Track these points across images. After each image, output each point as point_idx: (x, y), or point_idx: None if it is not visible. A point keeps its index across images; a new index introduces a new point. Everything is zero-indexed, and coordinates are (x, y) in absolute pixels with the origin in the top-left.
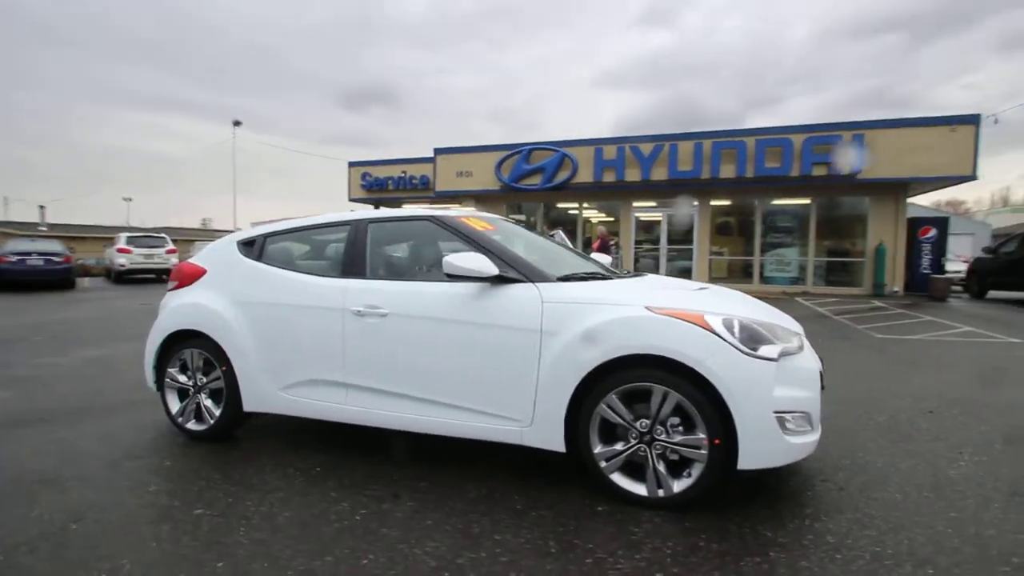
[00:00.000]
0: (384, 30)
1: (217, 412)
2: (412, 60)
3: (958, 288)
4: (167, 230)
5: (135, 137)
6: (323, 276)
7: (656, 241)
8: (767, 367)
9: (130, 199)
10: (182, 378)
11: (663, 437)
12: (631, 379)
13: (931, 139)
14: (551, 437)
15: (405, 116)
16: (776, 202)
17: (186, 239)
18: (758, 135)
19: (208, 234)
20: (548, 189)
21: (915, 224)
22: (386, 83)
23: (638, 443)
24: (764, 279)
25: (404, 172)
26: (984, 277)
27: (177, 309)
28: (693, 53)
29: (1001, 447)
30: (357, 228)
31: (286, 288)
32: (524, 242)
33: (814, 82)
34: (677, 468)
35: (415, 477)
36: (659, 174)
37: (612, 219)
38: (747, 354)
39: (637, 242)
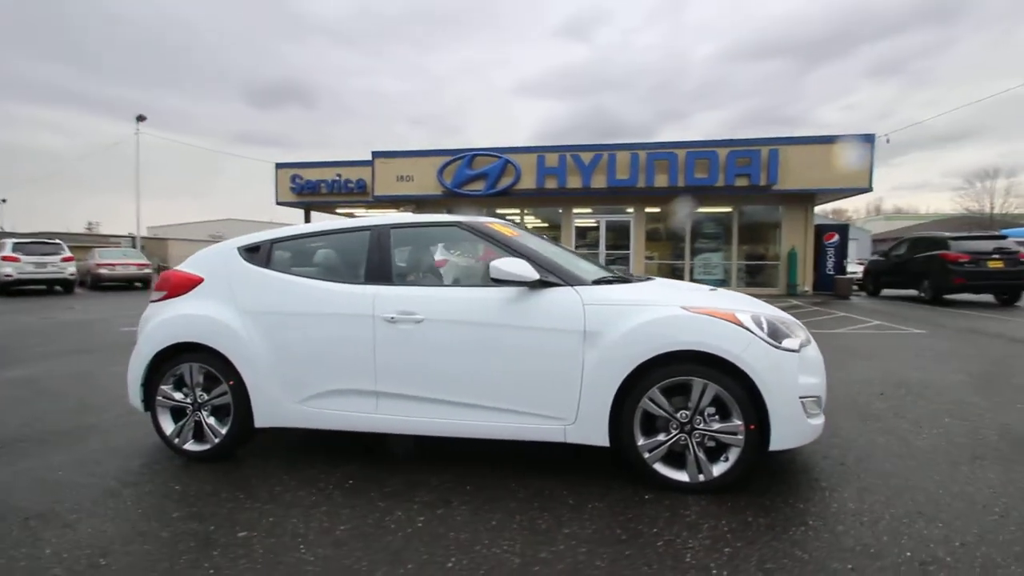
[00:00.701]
0: (303, 27)
1: (223, 430)
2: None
3: (855, 287)
4: (50, 235)
5: (9, 131)
6: (345, 283)
7: (595, 246)
8: (792, 358)
9: (3, 200)
10: (178, 395)
11: (702, 426)
12: (672, 374)
13: (833, 156)
14: (595, 433)
15: (324, 117)
16: (703, 210)
17: (79, 244)
18: (688, 148)
19: (97, 239)
20: (491, 195)
21: (820, 231)
22: (304, 82)
23: (679, 433)
24: (694, 281)
25: (339, 175)
26: (878, 277)
27: (171, 321)
28: (608, 67)
29: (950, 420)
30: (379, 234)
31: (305, 296)
32: (541, 248)
33: (715, 99)
34: (713, 454)
35: (456, 482)
36: (598, 182)
37: (546, 225)
38: (774, 347)
39: (576, 247)
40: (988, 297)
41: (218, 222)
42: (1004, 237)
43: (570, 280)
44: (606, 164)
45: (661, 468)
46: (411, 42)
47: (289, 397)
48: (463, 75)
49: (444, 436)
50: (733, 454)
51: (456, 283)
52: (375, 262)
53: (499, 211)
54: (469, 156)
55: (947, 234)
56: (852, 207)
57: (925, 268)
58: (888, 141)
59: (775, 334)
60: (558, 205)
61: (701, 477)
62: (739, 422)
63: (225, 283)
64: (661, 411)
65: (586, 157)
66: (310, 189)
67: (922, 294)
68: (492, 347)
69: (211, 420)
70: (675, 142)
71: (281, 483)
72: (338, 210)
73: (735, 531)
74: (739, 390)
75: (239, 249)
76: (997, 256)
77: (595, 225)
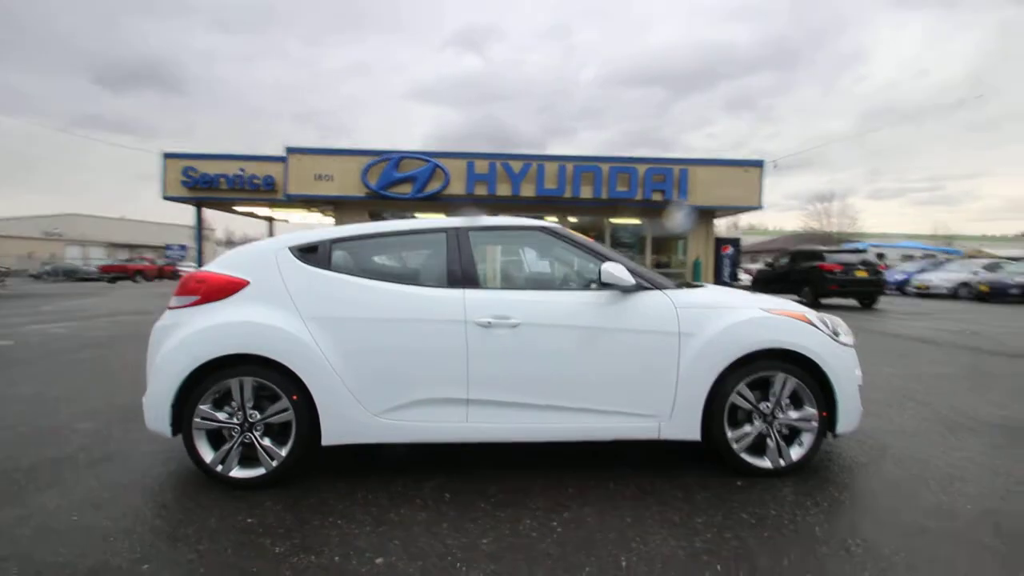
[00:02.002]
0: (168, 2)
1: (282, 451)
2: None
3: None
4: None
5: None
6: (426, 286)
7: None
8: (851, 352)
9: None
10: (221, 416)
11: (781, 416)
12: (756, 370)
13: (732, 177)
14: (689, 428)
15: (191, 105)
16: (618, 221)
17: None
18: (612, 162)
19: None
20: (419, 199)
21: (718, 243)
22: (166, 64)
23: (762, 423)
24: None
25: (242, 170)
26: (765, 284)
27: (217, 330)
28: (500, 81)
29: (913, 404)
30: (457, 236)
31: (385, 300)
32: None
33: (598, 119)
34: (788, 440)
35: (555, 486)
36: (528, 191)
37: None
38: (837, 342)
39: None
40: (852, 301)
41: (55, 217)
42: (865, 251)
43: (658, 285)
44: (535, 174)
45: (747, 457)
46: (297, 35)
47: (365, 411)
48: (353, 75)
49: (534, 442)
50: (807, 439)
51: (537, 286)
52: (458, 265)
53: (418, 215)
54: (396, 158)
55: (823, 248)
56: (727, 223)
57: (806, 276)
58: (776, 166)
59: (836, 331)
60: (487, 212)
61: (782, 462)
62: (813, 410)
63: (279, 286)
64: (747, 404)
65: (516, 166)
66: (206, 184)
67: (803, 299)
68: (590, 350)
69: (266, 441)
70: (600, 156)
71: (370, 502)
72: (237, 208)
73: (832, 504)
74: (812, 381)
75: (291, 249)
76: (862, 266)
77: None
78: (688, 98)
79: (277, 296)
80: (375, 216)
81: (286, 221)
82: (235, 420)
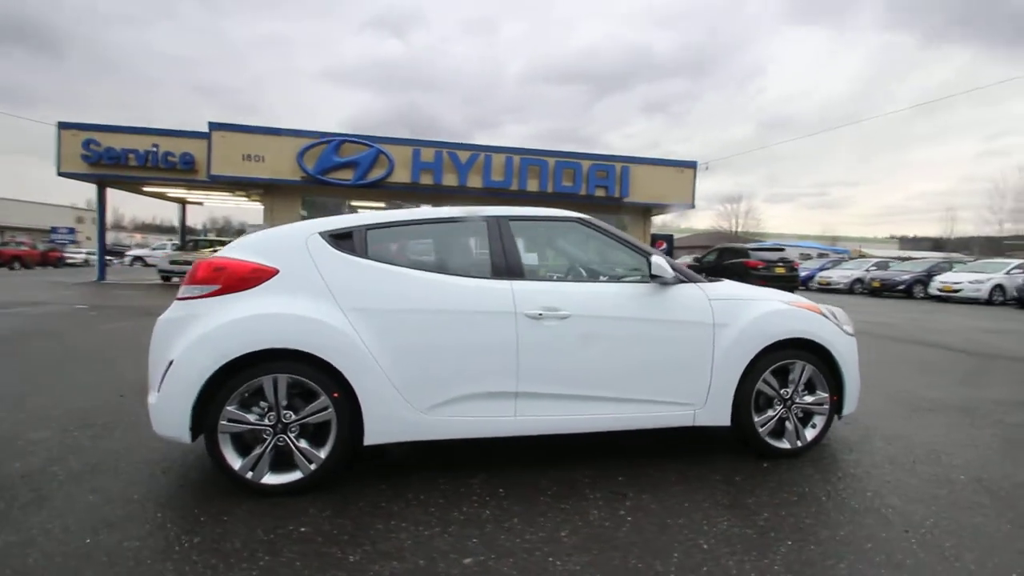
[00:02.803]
0: None
1: (322, 453)
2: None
3: None
4: None
5: None
6: (472, 277)
7: None
8: (854, 341)
9: None
10: (251, 417)
11: (799, 400)
12: (779, 358)
13: (668, 176)
14: (721, 414)
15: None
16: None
17: None
18: (558, 157)
19: None
20: (361, 186)
21: (652, 239)
22: (39, 20)
23: (782, 408)
24: None
25: (156, 146)
26: None
27: (248, 322)
28: (424, 68)
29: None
30: (499, 225)
31: (431, 291)
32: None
33: (523, 113)
34: (803, 423)
35: (602, 478)
36: (474, 182)
37: None
38: (845, 332)
39: None
40: None
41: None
42: (783, 249)
43: (692, 278)
44: (483, 165)
45: (770, 440)
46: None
47: (411, 407)
48: (263, 49)
49: (579, 432)
50: (819, 421)
51: (578, 277)
52: (502, 256)
53: (367, 204)
54: (337, 141)
55: (748, 246)
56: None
57: (732, 272)
58: (707, 168)
59: (841, 322)
60: (431, 201)
61: (799, 443)
62: (825, 394)
63: (314, 275)
64: (771, 390)
65: (463, 156)
66: (112, 160)
67: None
68: (635, 340)
69: (303, 444)
70: (547, 151)
71: (426, 502)
72: (147, 188)
73: (852, 478)
74: (825, 368)
75: (323, 235)
76: (781, 264)
77: None
78: (608, 98)
79: (312, 286)
80: (310, 206)
81: (200, 204)
82: (266, 421)
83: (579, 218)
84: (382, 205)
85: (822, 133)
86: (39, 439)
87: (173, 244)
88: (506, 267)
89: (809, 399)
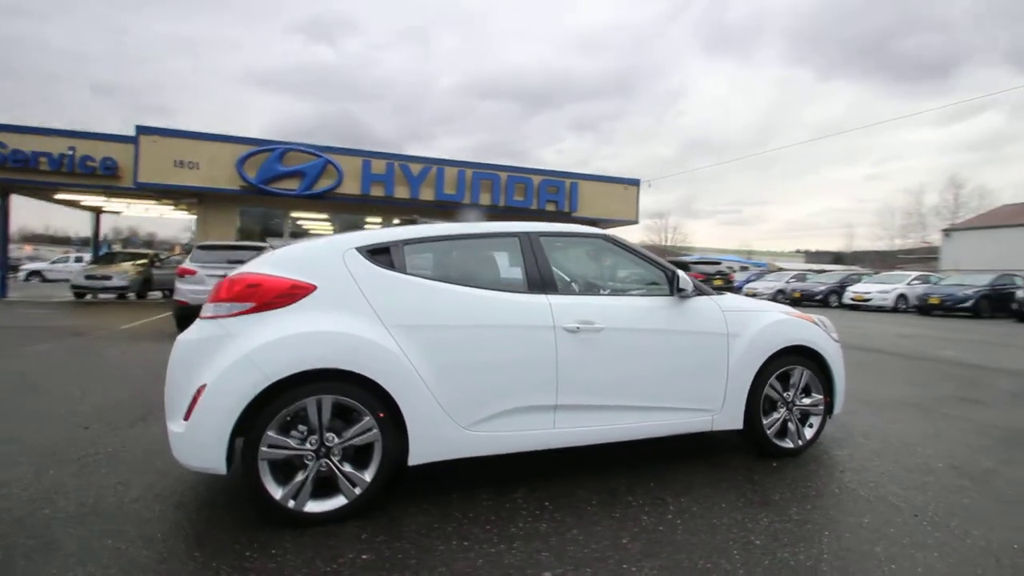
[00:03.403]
0: None
1: (367, 476)
2: None
3: None
4: None
5: None
6: (509, 291)
7: None
8: (839, 346)
9: None
10: (291, 442)
11: (799, 403)
12: (783, 364)
13: (614, 193)
14: (735, 418)
15: None
16: None
17: None
18: (510, 172)
19: None
20: (307, 197)
21: None
22: None
23: (785, 410)
24: None
25: (72, 149)
26: None
27: (293, 341)
28: (355, 76)
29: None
30: (530, 241)
31: (470, 305)
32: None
33: (456, 126)
34: (801, 423)
35: (637, 483)
36: (427, 194)
37: (333, 232)
38: (833, 339)
39: None
40: None
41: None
42: (719, 262)
43: (705, 291)
44: (435, 178)
45: (776, 440)
46: None
47: (455, 424)
48: (177, 50)
49: (610, 442)
50: (816, 421)
51: (605, 291)
52: (536, 270)
53: (312, 216)
54: (281, 149)
55: (687, 259)
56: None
57: None
58: (650, 185)
59: (829, 329)
60: (381, 214)
61: (800, 442)
62: (820, 396)
63: (354, 291)
64: (776, 394)
65: (415, 168)
66: (19, 163)
67: None
68: (661, 351)
69: (347, 467)
70: (499, 165)
71: (477, 520)
72: (60, 195)
73: (853, 472)
74: (820, 372)
75: (360, 250)
76: (719, 276)
77: None
78: (539, 115)
79: (353, 302)
80: (249, 214)
81: (118, 213)
82: (308, 446)
83: (603, 235)
84: (326, 216)
85: (736, 154)
86: (10, 479)
87: (77, 258)
88: (541, 281)
89: (807, 401)
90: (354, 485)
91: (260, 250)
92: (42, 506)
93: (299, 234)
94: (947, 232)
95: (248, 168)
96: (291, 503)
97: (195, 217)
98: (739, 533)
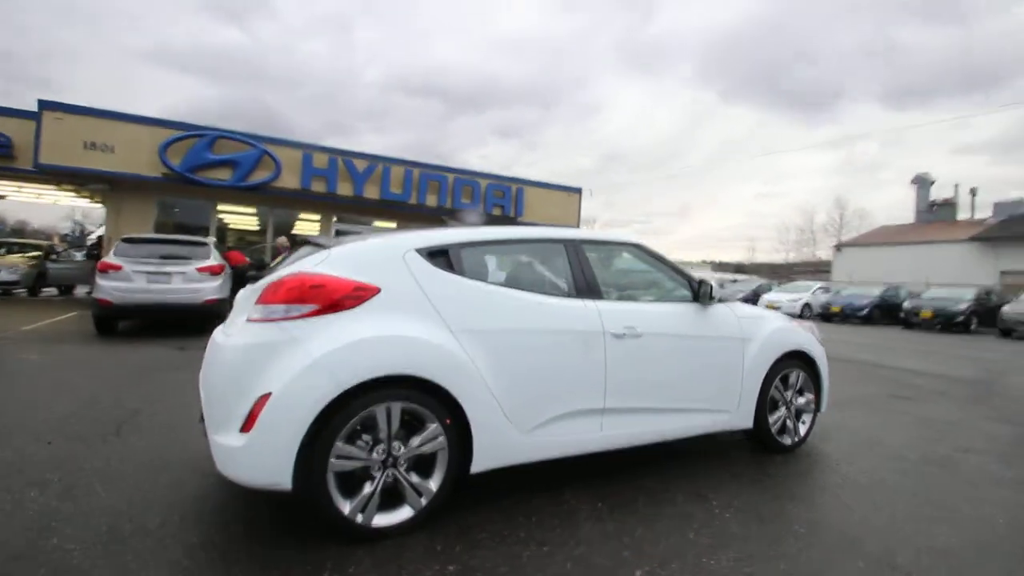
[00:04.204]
0: None
1: (433, 485)
2: None
3: None
4: None
5: None
6: (561, 297)
7: None
8: (823, 350)
9: None
10: (359, 453)
11: (794, 402)
12: (784, 368)
13: (557, 200)
14: (747, 418)
15: None
16: None
17: None
18: (457, 174)
19: None
20: (242, 188)
21: None
22: None
23: (785, 410)
24: None
25: None
26: None
27: (365, 346)
28: (269, 62)
29: None
30: (575, 248)
31: (529, 310)
32: None
33: (381, 122)
34: (796, 421)
35: (670, 482)
36: (372, 192)
37: (258, 228)
38: (819, 343)
39: None
40: None
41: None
42: None
43: (723, 298)
44: (381, 175)
45: (778, 437)
46: None
47: (516, 430)
48: (61, 17)
49: (645, 444)
50: (808, 419)
51: (639, 298)
52: (582, 277)
53: (243, 210)
54: (211, 136)
55: None
56: None
57: None
58: (592, 194)
59: (816, 335)
60: (323, 211)
61: (796, 439)
62: (812, 396)
63: (418, 294)
64: (779, 395)
65: (360, 165)
66: None
67: None
68: (690, 355)
69: (414, 477)
70: (446, 166)
71: (542, 524)
72: None
73: (843, 462)
74: (810, 374)
75: (419, 251)
76: None
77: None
78: (464, 118)
79: (418, 306)
80: (169, 204)
81: (2, 198)
82: (375, 455)
83: (635, 243)
84: (253, 210)
85: (650, 167)
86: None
87: None
88: (587, 288)
89: (801, 401)
90: (420, 495)
91: (201, 245)
92: (45, 536)
93: (224, 229)
94: (838, 248)
95: (172, 155)
96: (359, 517)
97: (100, 207)
98: (785, 524)
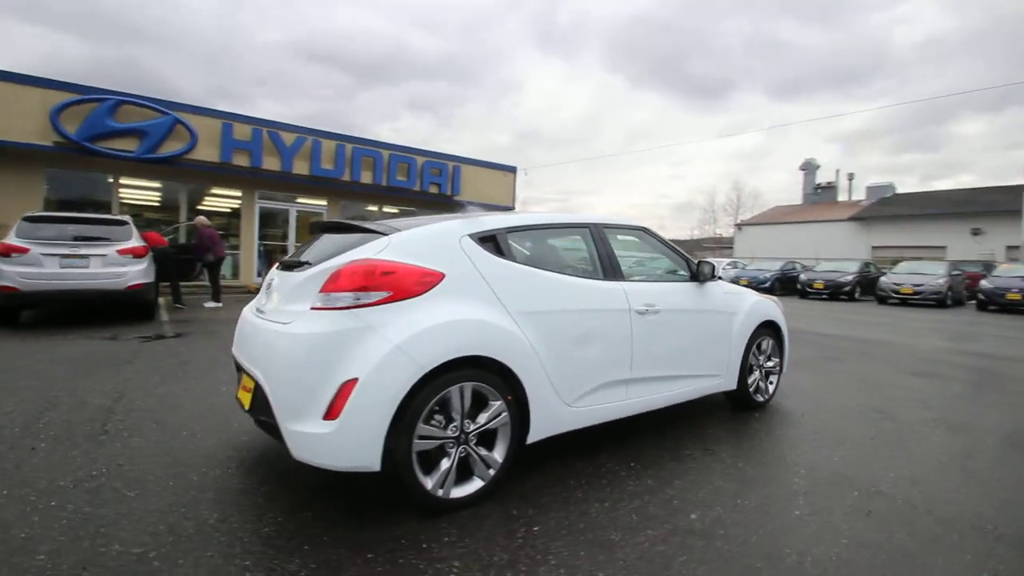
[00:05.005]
0: None
1: (499, 457)
2: None
3: None
4: None
5: None
6: (593, 279)
7: (284, 238)
8: (784, 319)
9: None
10: (438, 432)
11: (767, 365)
12: (759, 336)
13: (493, 178)
14: (733, 381)
15: None
16: (391, 210)
17: None
18: (392, 150)
19: None
20: (150, 160)
21: None
22: None
23: (759, 372)
24: None
25: None
26: None
27: (442, 330)
28: (145, 18)
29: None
30: (598, 231)
31: (569, 292)
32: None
33: (278, 90)
34: (764, 382)
35: (672, 441)
36: (301, 168)
37: (160, 204)
38: (782, 315)
39: (263, 238)
40: None
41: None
42: None
43: (714, 276)
44: (310, 150)
45: (754, 396)
46: None
47: (561, 402)
48: None
49: (659, 408)
50: (775, 379)
51: (649, 278)
52: (606, 259)
53: (148, 184)
54: (113, 101)
55: None
56: None
57: None
58: (527, 174)
59: (779, 307)
60: (248, 187)
61: (767, 396)
62: (778, 360)
63: (477, 279)
64: (754, 359)
65: (288, 138)
66: None
67: None
68: (695, 327)
69: (482, 451)
70: (381, 142)
71: (594, 484)
72: None
73: (810, 417)
74: (776, 340)
75: (472, 236)
76: None
77: (284, 211)
78: (374, 89)
79: (478, 290)
80: (59, 178)
81: None
82: (449, 433)
83: (643, 227)
84: (158, 186)
85: (563, 146)
86: (6, 519)
87: None
88: (612, 269)
89: (770, 364)
90: (488, 467)
91: (121, 224)
92: (103, 543)
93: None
94: (739, 226)
95: (67, 121)
96: (440, 491)
97: None
98: (788, 468)
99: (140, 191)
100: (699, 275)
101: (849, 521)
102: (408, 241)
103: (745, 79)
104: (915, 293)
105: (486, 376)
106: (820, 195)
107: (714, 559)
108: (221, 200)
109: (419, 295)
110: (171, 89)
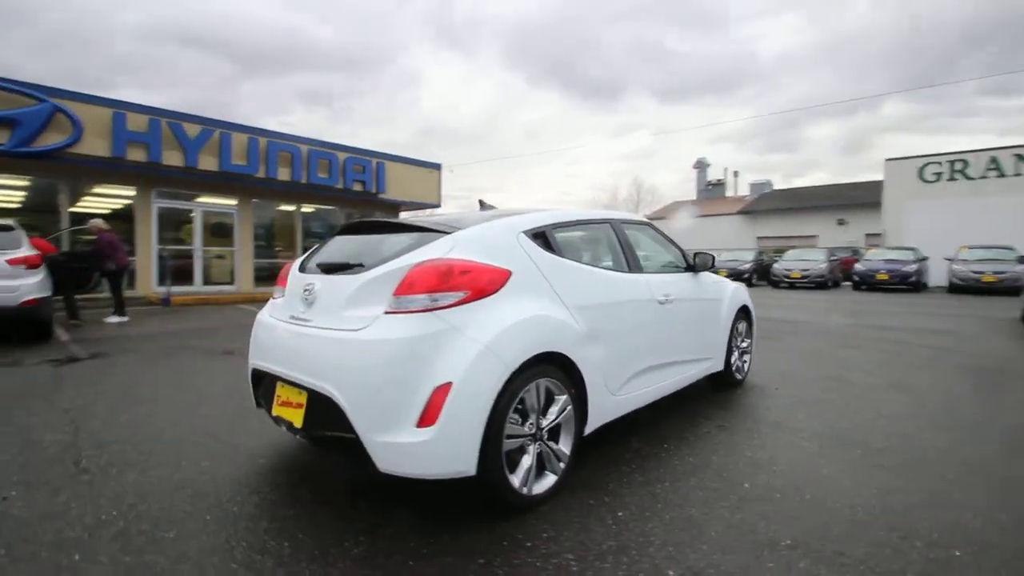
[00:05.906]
0: None
1: (567, 450)
2: None
3: None
4: None
5: None
6: (615, 271)
7: (186, 242)
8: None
9: None
10: (519, 430)
11: (743, 345)
12: (739, 319)
13: (419, 175)
14: (720, 362)
15: None
16: (308, 209)
17: None
18: (312, 145)
19: None
20: (22, 155)
21: None
22: None
23: (738, 353)
24: None
25: None
26: None
27: (518, 328)
28: None
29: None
30: (618, 227)
31: (610, 285)
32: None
33: (146, 77)
34: (740, 360)
35: (678, 423)
36: (208, 163)
37: (22, 206)
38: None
39: (164, 242)
40: None
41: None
42: None
43: (707, 267)
44: (218, 144)
45: (736, 374)
46: None
47: (608, 392)
48: None
49: (670, 393)
50: (748, 358)
51: (658, 270)
52: (628, 253)
53: (16, 183)
54: None
55: None
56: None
57: None
58: (452, 171)
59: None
60: (146, 185)
61: (744, 375)
62: (750, 340)
63: (538, 275)
64: (734, 342)
65: (192, 130)
66: None
67: None
68: (697, 314)
69: (553, 445)
70: (299, 136)
71: (641, 466)
72: None
73: (786, 384)
74: (748, 323)
75: (526, 233)
76: None
77: (190, 213)
78: (260, 79)
79: (540, 286)
80: None
81: None
82: (530, 431)
83: (648, 222)
84: (27, 183)
85: (466, 144)
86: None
87: None
88: (634, 262)
89: (744, 344)
90: (559, 461)
91: (7, 230)
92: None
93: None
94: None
95: None
96: (525, 489)
97: None
98: (792, 432)
99: (11, 191)
100: (696, 266)
101: (867, 469)
102: (475, 239)
103: (636, 82)
104: (803, 277)
105: (554, 372)
106: (711, 191)
107: (786, 517)
108: (107, 200)
109: (492, 294)
110: (11, 73)
